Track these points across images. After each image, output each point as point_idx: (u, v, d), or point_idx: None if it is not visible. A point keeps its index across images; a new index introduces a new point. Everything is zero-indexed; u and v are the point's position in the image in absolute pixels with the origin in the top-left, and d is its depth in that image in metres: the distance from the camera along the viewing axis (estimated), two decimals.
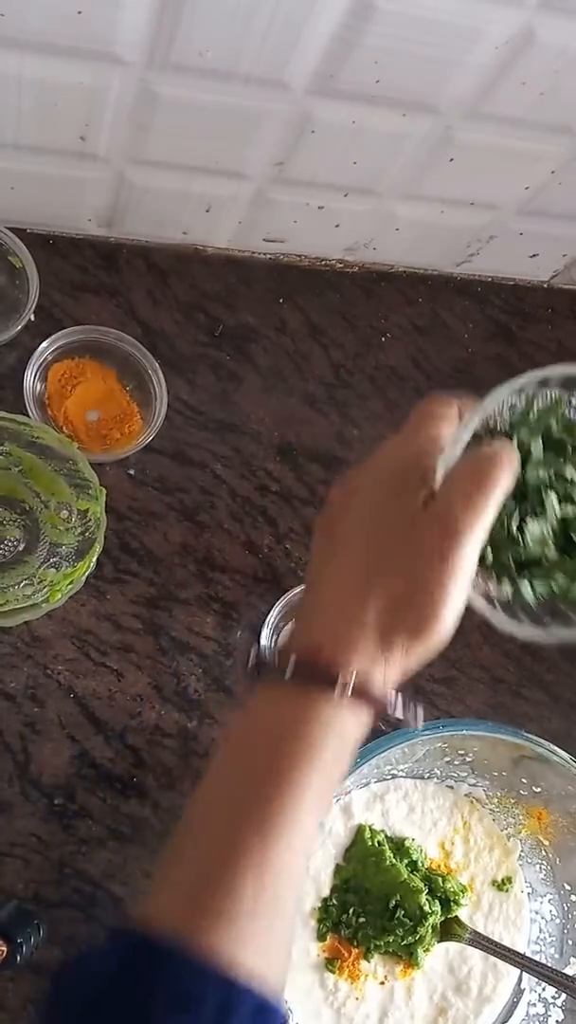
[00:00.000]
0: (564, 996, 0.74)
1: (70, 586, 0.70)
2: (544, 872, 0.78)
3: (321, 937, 0.73)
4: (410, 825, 0.77)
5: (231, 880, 0.40)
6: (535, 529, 0.48)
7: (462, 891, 0.75)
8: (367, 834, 0.74)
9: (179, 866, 0.43)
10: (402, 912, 0.71)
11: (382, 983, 0.73)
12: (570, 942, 0.77)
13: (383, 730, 0.80)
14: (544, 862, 0.78)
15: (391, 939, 0.72)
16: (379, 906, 0.72)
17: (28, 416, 0.75)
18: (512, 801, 0.77)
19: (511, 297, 0.95)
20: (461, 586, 0.44)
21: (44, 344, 0.78)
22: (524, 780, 0.75)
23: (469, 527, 0.44)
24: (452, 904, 0.73)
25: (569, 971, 0.75)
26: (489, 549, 0.48)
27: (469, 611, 0.89)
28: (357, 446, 0.86)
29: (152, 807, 0.75)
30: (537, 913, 0.79)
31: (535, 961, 0.73)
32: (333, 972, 0.72)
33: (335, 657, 0.44)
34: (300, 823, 0.42)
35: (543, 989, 0.76)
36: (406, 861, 0.74)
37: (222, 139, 0.72)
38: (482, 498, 0.44)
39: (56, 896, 0.71)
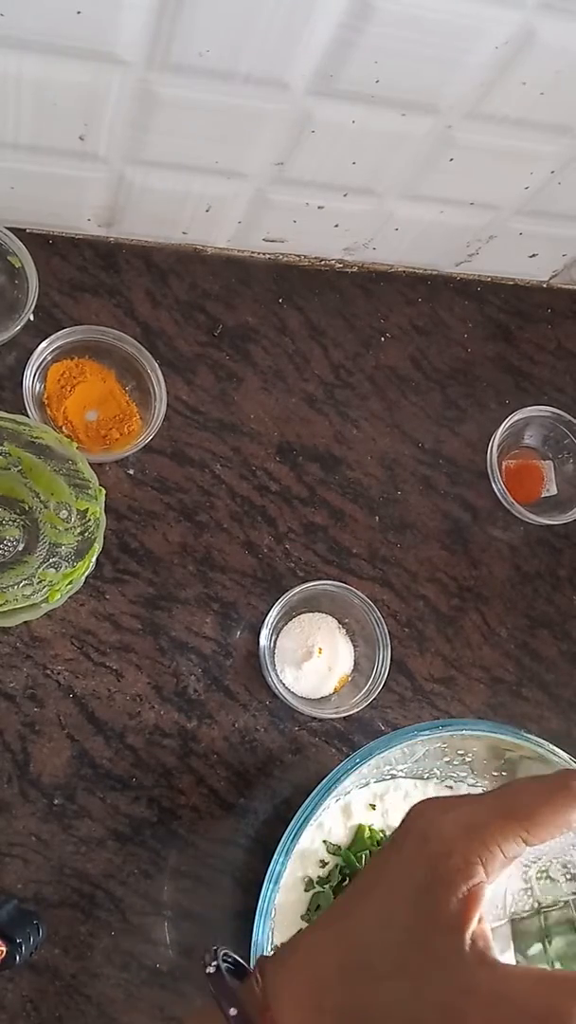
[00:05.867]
0: None
1: (69, 586, 0.70)
2: None
3: None
4: None
5: None
6: None
7: None
8: (366, 834, 0.74)
9: None
10: None
11: None
12: None
13: (383, 730, 0.81)
14: None
15: None
16: None
17: (27, 416, 0.75)
18: None
19: (511, 297, 0.95)
20: None
21: (43, 344, 0.78)
22: None
23: None
24: None
25: None
26: None
27: (466, 609, 0.89)
28: (357, 446, 0.87)
29: (152, 807, 0.75)
30: None
31: None
32: None
33: None
34: None
35: None
36: None
37: (222, 139, 0.72)
38: None
39: (56, 896, 0.71)
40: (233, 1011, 0.40)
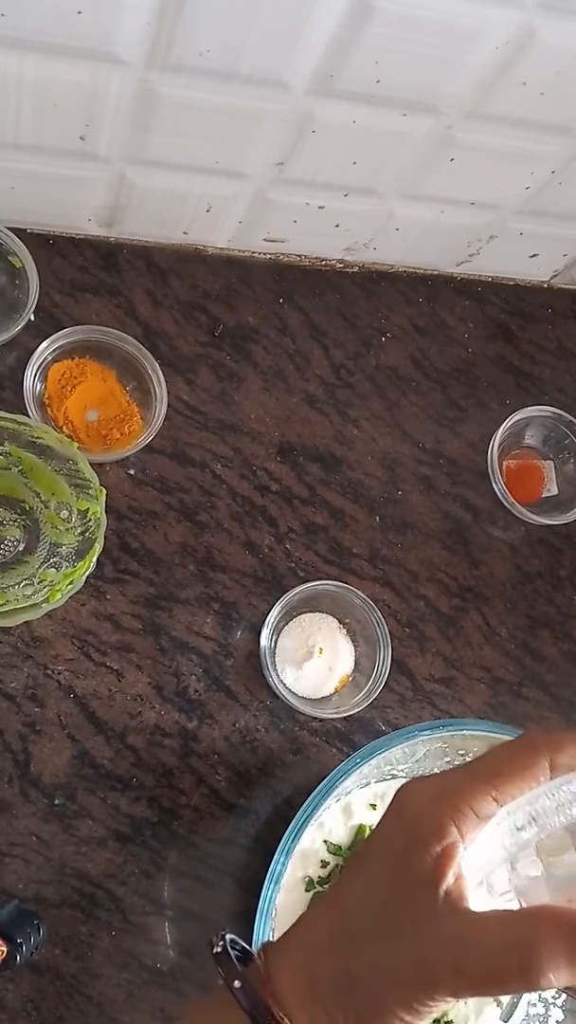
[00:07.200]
0: (564, 996, 0.74)
1: (70, 586, 0.70)
2: None
3: None
4: None
5: None
6: None
7: None
8: (367, 834, 0.74)
9: None
10: None
11: None
12: None
13: (383, 730, 0.81)
14: None
15: None
16: None
17: (28, 416, 0.75)
18: None
19: (511, 297, 0.95)
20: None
21: (44, 344, 0.78)
22: None
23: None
24: None
25: None
26: None
27: (466, 609, 0.89)
28: (358, 446, 0.87)
29: (153, 807, 0.75)
30: None
31: None
32: None
33: (281, 1003, 0.41)
34: None
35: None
36: None
37: (222, 139, 0.72)
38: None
39: (56, 896, 0.71)
40: (237, 983, 0.42)
